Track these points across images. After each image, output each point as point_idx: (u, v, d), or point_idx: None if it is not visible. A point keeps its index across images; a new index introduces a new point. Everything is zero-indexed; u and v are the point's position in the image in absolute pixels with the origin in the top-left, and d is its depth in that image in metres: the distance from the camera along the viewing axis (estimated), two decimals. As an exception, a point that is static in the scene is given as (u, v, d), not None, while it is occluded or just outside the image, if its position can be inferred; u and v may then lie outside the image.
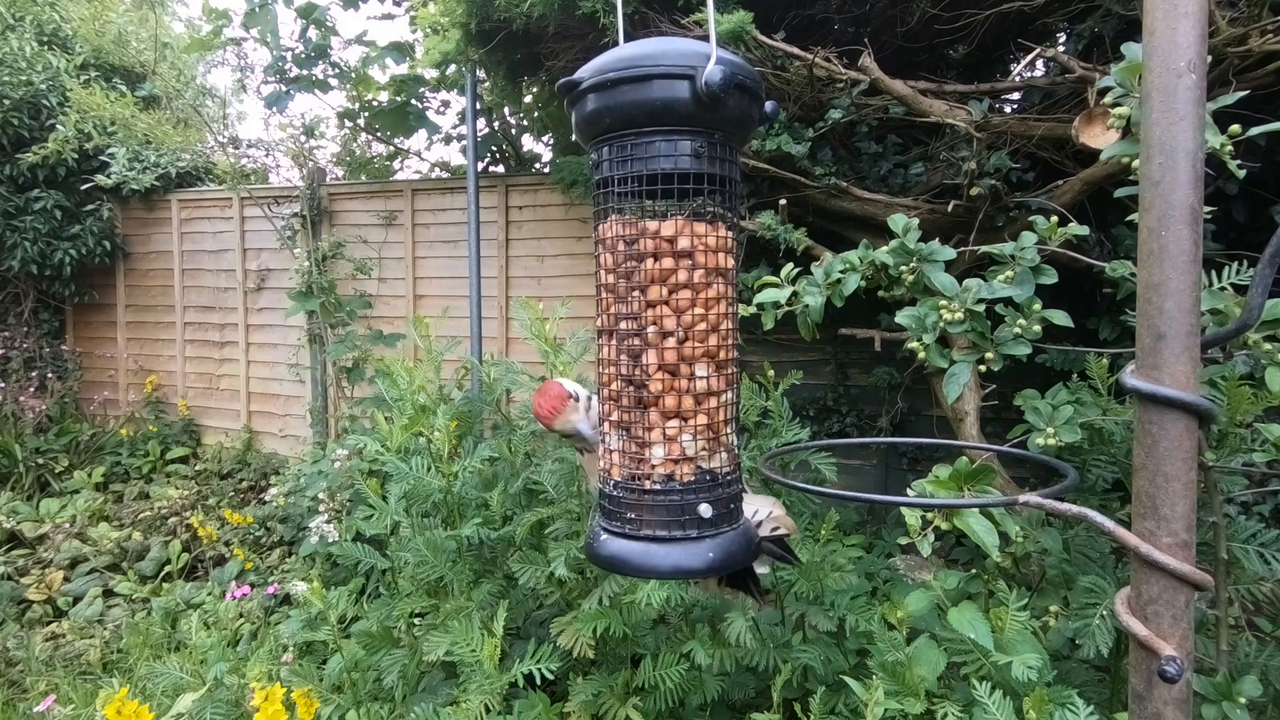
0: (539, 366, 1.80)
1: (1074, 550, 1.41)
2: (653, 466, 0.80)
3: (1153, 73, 0.63)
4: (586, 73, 0.77)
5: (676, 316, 0.78)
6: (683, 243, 0.78)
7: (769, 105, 0.82)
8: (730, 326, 0.82)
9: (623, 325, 0.81)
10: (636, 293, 0.79)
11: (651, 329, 0.79)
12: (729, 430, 0.83)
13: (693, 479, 0.80)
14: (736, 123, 0.78)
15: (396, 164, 5.54)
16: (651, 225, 0.78)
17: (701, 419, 0.80)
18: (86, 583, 3.45)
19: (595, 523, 0.87)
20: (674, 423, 0.80)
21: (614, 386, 0.83)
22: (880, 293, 1.38)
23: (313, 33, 4.19)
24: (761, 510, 1.02)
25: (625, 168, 0.77)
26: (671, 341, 0.78)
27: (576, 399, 1.04)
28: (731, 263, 0.81)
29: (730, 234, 0.82)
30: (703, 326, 0.79)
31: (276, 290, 4.81)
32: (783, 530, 1.03)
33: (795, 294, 1.37)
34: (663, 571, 0.80)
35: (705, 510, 0.78)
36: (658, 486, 0.80)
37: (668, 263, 0.78)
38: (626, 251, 0.79)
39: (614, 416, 0.83)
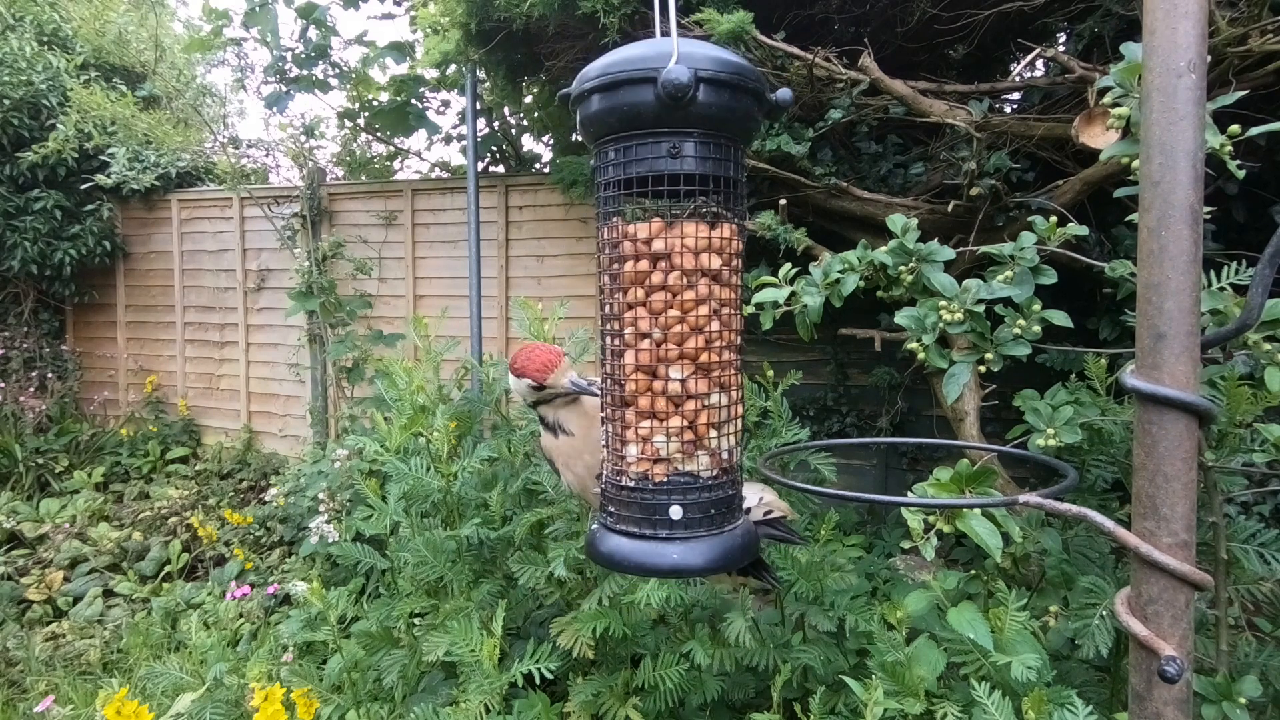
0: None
1: (1074, 550, 1.41)
2: (628, 464, 0.81)
3: (1153, 72, 0.63)
4: (574, 84, 0.78)
5: (652, 319, 0.78)
6: (657, 245, 0.77)
7: (782, 93, 0.79)
8: (719, 328, 0.80)
9: (608, 326, 0.83)
10: (619, 294, 0.80)
11: (629, 330, 0.79)
12: (716, 434, 0.81)
13: (665, 480, 0.79)
14: (720, 120, 0.75)
15: (396, 164, 5.54)
16: (630, 229, 0.78)
17: (676, 421, 0.79)
18: (86, 583, 3.45)
19: (594, 516, 0.88)
20: (648, 423, 0.79)
21: (605, 383, 0.84)
22: (879, 293, 1.38)
23: (313, 33, 4.19)
24: (751, 497, 1.02)
25: (608, 173, 0.78)
26: (646, 343, 0.78)
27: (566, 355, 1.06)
28: (720, 263, 0.79)
29: (729, 234, 0.80)
30: (680, 329, 0.78)
31: (276, 290, 4.81)
32: (776, 513, 1.03)
33: (794, 294, 1.37)
34: (628, 567, 0.80)
35: (675, 512, 0.77)
36: (632, 484, 0.80)
37: (643, 265, 0.78)
38: (611, 254, 0.81)
39: (605, 412, 0.85)
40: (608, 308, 0.83)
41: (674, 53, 0.71)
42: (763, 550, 1.08)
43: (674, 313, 0.77)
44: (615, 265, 0.80)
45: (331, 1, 4.14)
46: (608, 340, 0.83)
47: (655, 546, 0.78)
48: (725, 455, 0.82)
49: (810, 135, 2.52)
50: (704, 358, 0.79)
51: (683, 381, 0.78)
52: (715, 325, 0.79)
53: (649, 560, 0.78)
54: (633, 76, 0.72)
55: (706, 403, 0.80)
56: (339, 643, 1.75)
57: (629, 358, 0.80)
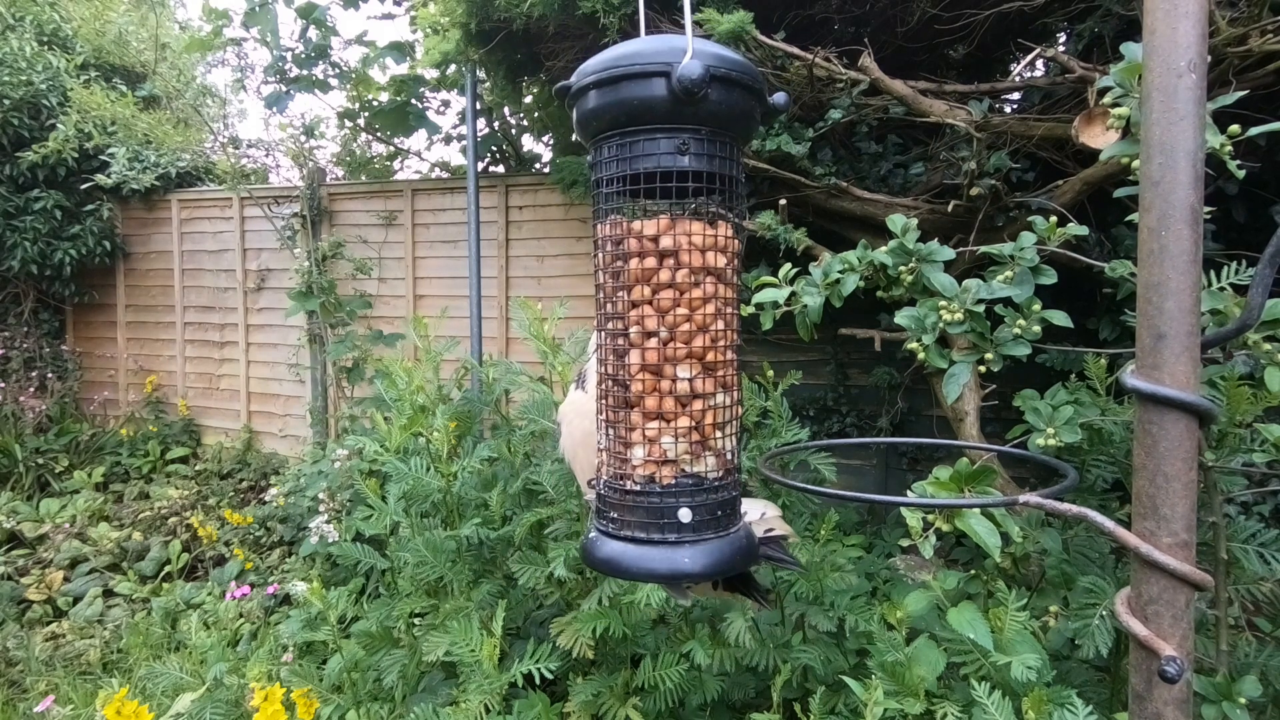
0: (538, 366, 1.80)
1: (1074, 550, 1.41)
2: (633, 467, 0.80)
3: (1153, 72, 0.63)
4: (575, 77, 0.77)
5: (659, 317, 0.77)
6: (665, 242, 0.77)
7: (778, 97, 0.80)
8: (723, 327, 0.80)
9: (610, 325, 0.82)
10: (622, 292, 0.79)
11: (634, 329, 0.78)
12: (721, 434, 0.81)
13: (673, 482, 0.78)
14: (727, 118, 0.75)
15: (396, 164, 5.54)
16: (636, 225, 0.78)
17: (684, 422, 0.78)
18: (86, 583, 3.45)
19: (592, 518, 0.87)
20: (655, 424, 0.79)
21: (605, 385, 0.83)
22: (879, 293, 1.38)
23: (313, 33, 4.19)
24: (753, 512, 1.01)
25: (613, 168, 0.77)
26: (653, 342, 0.78)
27: None
28: (724, 261, 0.79)
29: (729, 233, 0.80)
30: (687, 327, 0.77)
31: (276, 290, 4.81)
32: (777, 531, 1.02)
33: (794, 294, 1.37)
34: (635, 574, 0.79)
35: (684, 515, 0.77)
36: (638, 487, 0.79)
37: (650, 262, 0.77)
38: (614, 251, 0.80)
39: (604, 415, 0.84)
40: (609, 306, 0.82)
41: (689, 49, 0.70)
42: (757, 568, 1.07)
43: (681, 311, 0.77)
44: (619, 263, 0.79)
45: (331, 1, 4.14)
46: (608, 340, 0.82)
47: (666, 551, 0.77)
48: (729, 456, 0.82)
49: (810, 135, 2.51)
50: (710, 357, 0.78)
51: (690, 381, 0.78)
52: (720, 324, 0.79)
53: (659, 565, 0.77)
54: (643, 70, 0.71)
55: (712, 402, 0.79)
56: (339, 643, 1.75)
57: (634, 357, 0.79)
